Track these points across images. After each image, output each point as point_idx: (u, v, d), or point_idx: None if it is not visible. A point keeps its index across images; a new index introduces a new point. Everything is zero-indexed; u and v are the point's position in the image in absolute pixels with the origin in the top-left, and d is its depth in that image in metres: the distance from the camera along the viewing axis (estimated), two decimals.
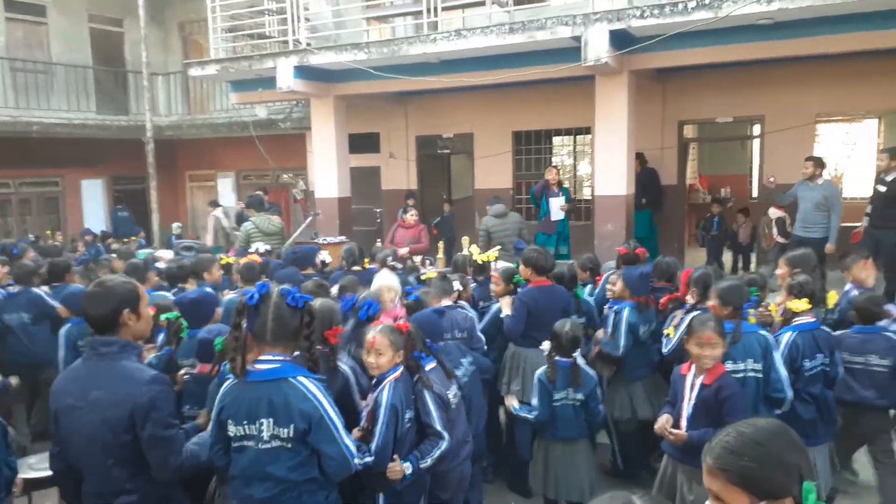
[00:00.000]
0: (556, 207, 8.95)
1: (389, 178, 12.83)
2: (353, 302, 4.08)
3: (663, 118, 10.49)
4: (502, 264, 5.41)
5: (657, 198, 10.28)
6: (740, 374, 3.36)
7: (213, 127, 14.46)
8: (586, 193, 12.13)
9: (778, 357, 3.45)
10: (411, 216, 8.52)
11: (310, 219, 9.21)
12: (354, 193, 11.13)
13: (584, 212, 11.11)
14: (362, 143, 12.49)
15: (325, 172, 10.36)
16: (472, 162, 12.23)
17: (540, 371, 3.80)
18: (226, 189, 15.79)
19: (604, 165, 8.59)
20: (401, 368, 3.07)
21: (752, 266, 10.59)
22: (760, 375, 3.40)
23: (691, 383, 3.20)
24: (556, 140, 12.50)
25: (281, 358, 2.44)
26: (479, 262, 5.45)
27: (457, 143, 12.52)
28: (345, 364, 3.22)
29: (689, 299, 4.02)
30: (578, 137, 12.13)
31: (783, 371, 3.43)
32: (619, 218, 8.54)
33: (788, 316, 3.62)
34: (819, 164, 7.78)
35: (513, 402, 3.99)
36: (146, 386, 2.40)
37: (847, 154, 13.04)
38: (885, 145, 11.96)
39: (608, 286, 4.73)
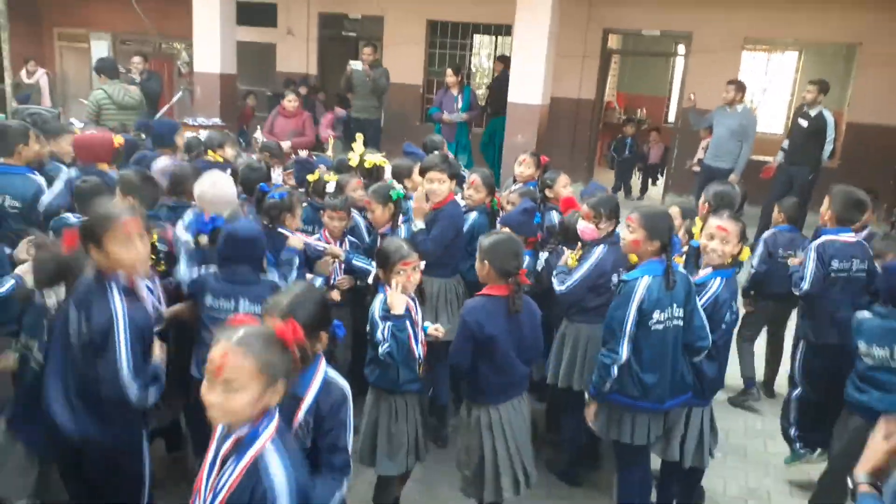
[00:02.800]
0: (453, 113, 8.08)
1: (286, 58, 11.46)
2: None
3: (588, 24, 9.71)
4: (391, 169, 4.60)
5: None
6: (661, 325, 2.81)
7: None
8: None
9: (698, 301, 2.95)
10: (290, 101, 7.37)
11: (178, 96, 7.94)
12: (243, 72, 9.81)
13: None
14: (256, 14, 11.02)
15: (207, 43, 8.94)
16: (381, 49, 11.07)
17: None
18: (100, 53, 13.76)
19: (522, 69, 7.80)
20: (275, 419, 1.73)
21: (660, 190, 10.33)
22: (682, 323, 2.87)
23: None
24: (476, 39, 11.50)
25: None
26: (368, 165, 4.66)
27: (365, 27, 11.28)
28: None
29: (588, 225, 3.39)
30: (500, 39, 11.18)
31: (704, 316, 2.94)
32: (531, 130, 7.87)
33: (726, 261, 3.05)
34: (741, 88, 7.39)
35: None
36: None
37: (764, 87, 12.80)
38: (802, 80, 11.81)
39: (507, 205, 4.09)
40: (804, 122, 7.07)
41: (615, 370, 2.80)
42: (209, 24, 8.88)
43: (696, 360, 2.96)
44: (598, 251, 3.29)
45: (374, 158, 4.73)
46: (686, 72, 9.70)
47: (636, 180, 10.84)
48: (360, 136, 5.43)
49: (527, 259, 3.49)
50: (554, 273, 3.45)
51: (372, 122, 8.33)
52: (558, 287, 3.32)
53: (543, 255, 3.75)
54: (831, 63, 10.16)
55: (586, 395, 3.13)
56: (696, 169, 8.23)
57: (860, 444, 1.86)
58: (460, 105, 8.15)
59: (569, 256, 3.40)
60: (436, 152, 4.63)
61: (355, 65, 8.61)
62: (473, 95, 8.30)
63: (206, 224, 3.17)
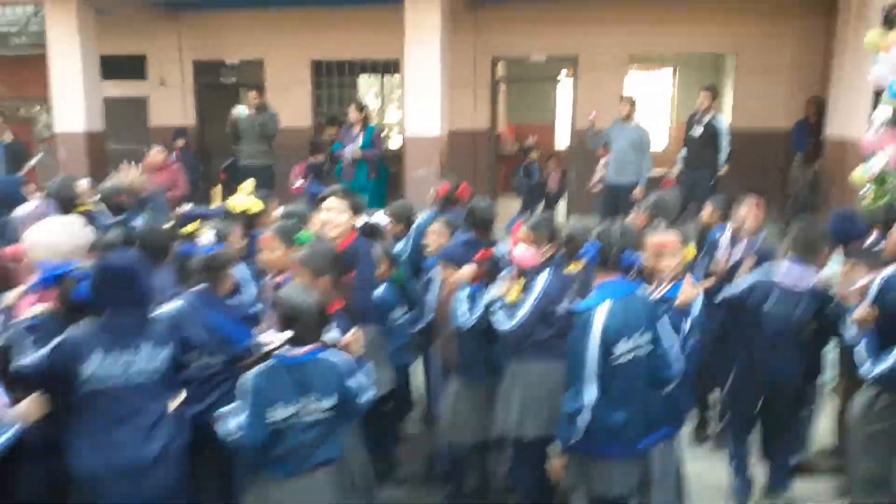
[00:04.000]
0: (351, 148, 7.61)
1: (161, 111, 10.65)
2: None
3: (476, 53, 9.65)
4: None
5: None
6: (628, 356, 2.45)
7: None
8: (392, 145, 11.08)
9: (665, 323, 2.61)
10: (156, 153, 6.84)
11: (36, 157, 7.16)
12: (114, 130, 9.02)
13: (393, 160, 9.92)
14: (125, 67, 10.25)
15: (68, 100, 8.14)
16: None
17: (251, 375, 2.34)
18: None
19: (416, 101, 7.56)
20: None
21: (562, 215, 10.30)
22: (651, 348, 2.54)
23: None
24: (363, 80, 11.24)
25: None
26: (237, 211, 4.08)
27: (244, 72, 10.72)
28: None
29: (527, 250, 3.08)
30: (387, 78, 10.96)
31: (672, 340, 2.59)
32: (433, 161, 7.59)
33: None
34: (633, 103, 7.48)
35: None
36: None
37: (647, 104, 13.26)
38: (680, 95, 12.33)
39: (431, 237, 3.71)
40: (697, 130, 7.23)
41: (581, 420, 2.40)
42: (70, 81, 8.11)
43: (665, 391, 2.65)
44: (544, 277, 2.94)
45: (246, 203, 4.16)
46: (575, 94, 9.80)
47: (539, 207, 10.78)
48: (250, 182, 4.90)
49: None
50: (492, 310, 3.07)
51: (263, 169, 7.79)
52: (506, 325, 2.90)
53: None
54: (707, 75, 10.63)
55: (554, 445, 2.74)
56: (599, 188, 8.20)
57: None
58: (360, 143, 7.70)
59: (508, 289, 3.03)
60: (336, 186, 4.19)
61: (240, 110, 8.08)
62: (376, 135, 7.90)
63: (50, 273, 2.42)
